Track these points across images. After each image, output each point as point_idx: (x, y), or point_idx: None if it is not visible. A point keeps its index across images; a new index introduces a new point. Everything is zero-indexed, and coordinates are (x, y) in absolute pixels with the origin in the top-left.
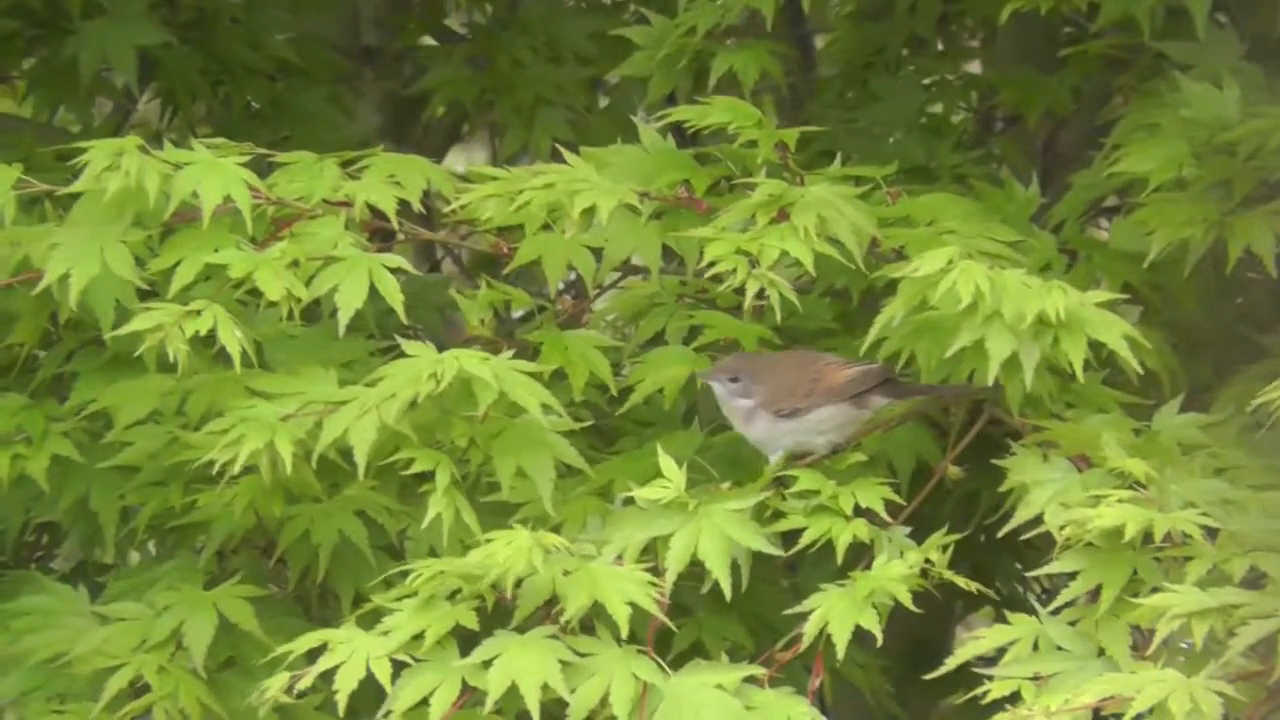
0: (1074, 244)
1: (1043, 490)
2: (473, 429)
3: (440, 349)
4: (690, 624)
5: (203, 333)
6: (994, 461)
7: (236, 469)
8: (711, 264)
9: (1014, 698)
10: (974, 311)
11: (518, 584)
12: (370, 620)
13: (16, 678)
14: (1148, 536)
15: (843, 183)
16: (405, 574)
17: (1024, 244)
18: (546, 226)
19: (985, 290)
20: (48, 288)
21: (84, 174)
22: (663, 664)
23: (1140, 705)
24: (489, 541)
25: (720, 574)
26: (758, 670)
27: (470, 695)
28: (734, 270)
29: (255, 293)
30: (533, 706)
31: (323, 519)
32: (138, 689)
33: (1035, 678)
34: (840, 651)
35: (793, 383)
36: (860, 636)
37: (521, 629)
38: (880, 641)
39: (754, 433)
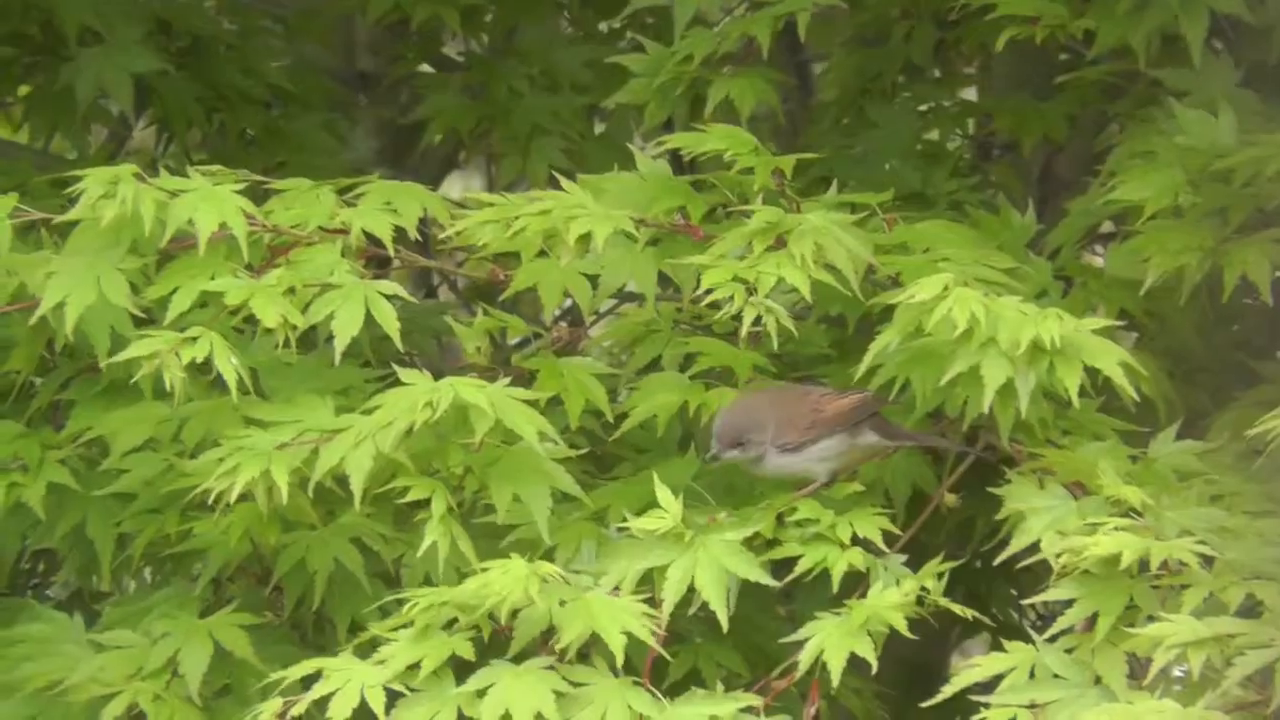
0: (1070, 270)
1: (1039, 518)
2: (469, 457)
3: (436, 376)
4: (686, 652)
5: (199, 360)
6: (990, 490)
7: (233, 498)
8: (708, 291)
9: None
10: (969, 338)
11: (514, 614)
12: (367, 649)
13: (13, 706)
14: (1144, 564)
15: (839, 210)
16: (401, 603)
17: (1020, 270)
18: (542, 253)
19: (980, 317)
20: (44, 316)
21: (80, 202)
22: (658, 694)
23: None
24: (485, 570)
25: (718, 606)
26: (754, 700)
27: None
28: (731, 297)
29: (251, 320)
30: None
31: (319, 546)
32: (133, 717)
33: (1031, 705)
34: (835, 680)
35: (792, 417)
36: (856, 662)
37: (518, 659)
38: (876, 668)
39: (763, 471)
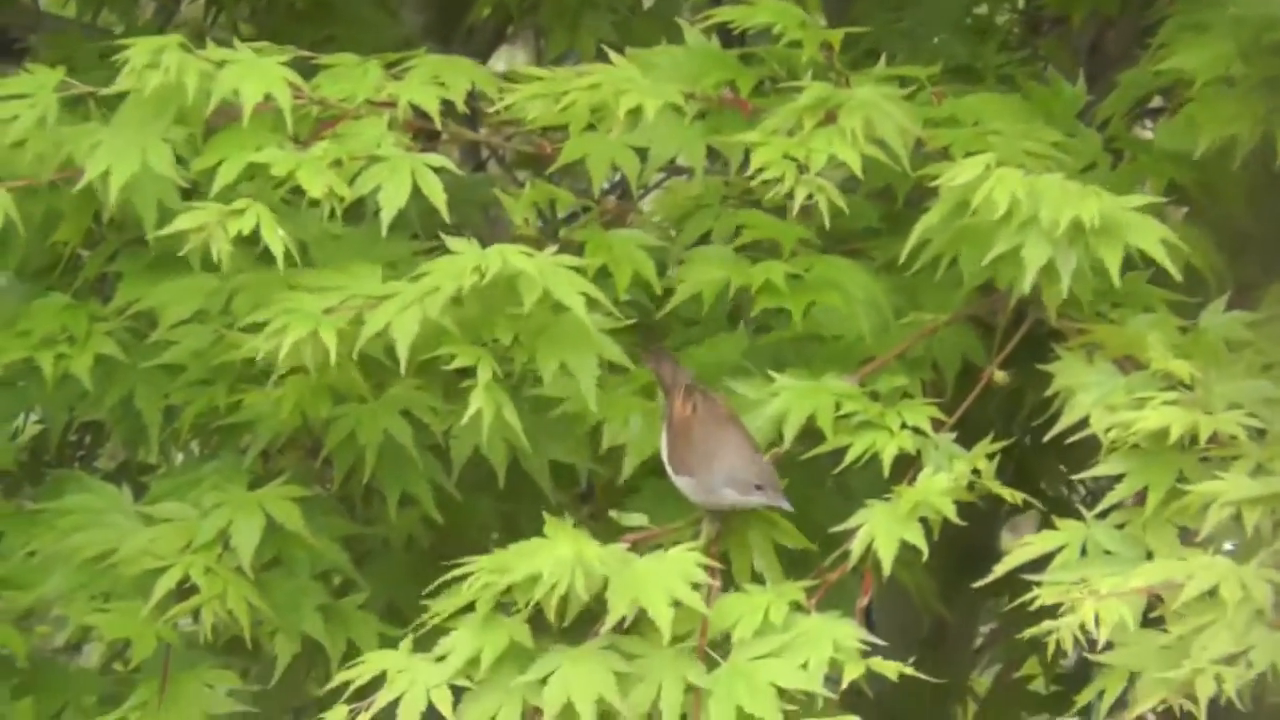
0: (1120, 143)
1: (1087, 393)
2: (517, 325)
3: (484, 247)
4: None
5: (246, 232)
6: (1039, 366)
7: (280, 358)
8: (759, 170)
9: (1062, 605)
10: (1010, 219)
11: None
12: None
13: (62, 576)
14: (1193, 438)
15: (888, 84)
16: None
17: (1068, 143)
18: (590, 127)
19: (1021, 197)
20: (89, 186)
21: (124, 72)
22: (713, 654)
23: (1191, 591)
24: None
25: None
26: (801, 596)
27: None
28: (782, 176)
29: (298, 192)
30: None
31: (368, 419)
32: (184, 589)
33: (1083, 582)
34: (887, 569)
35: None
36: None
37: (571, 635)
38: (927, 554)
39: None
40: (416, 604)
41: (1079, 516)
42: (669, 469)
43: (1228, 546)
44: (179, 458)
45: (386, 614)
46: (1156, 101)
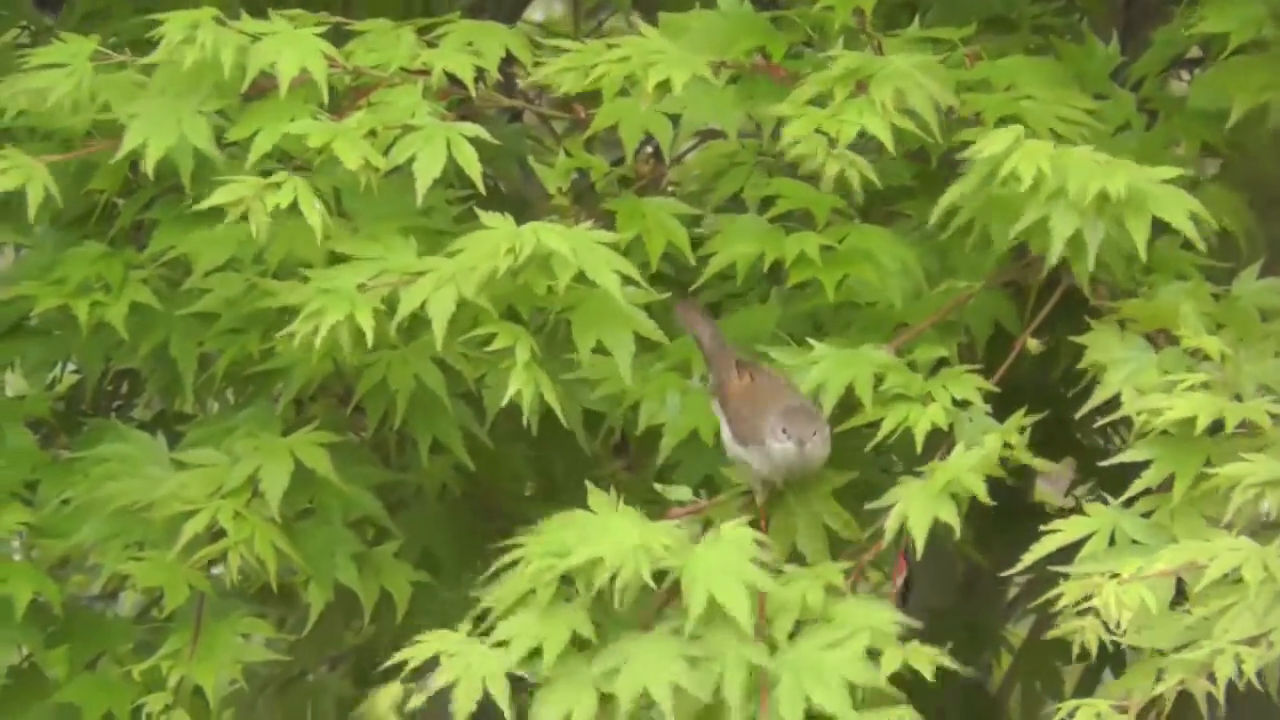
0: (1153, 103)
1: (1118, 371)
2: (551, 299)
3: (520, 201)
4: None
5: (284, 206)
6: (1071, 338)
7: (318, 344)
8: (793, 143)
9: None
10: (1037, 191)
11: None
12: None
13: (96, 523)
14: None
15: (921, 45)
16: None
17: (1102, 106)
18: (624, 92)
19: (1047, 170)
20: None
21: (160, 46)
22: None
23: (1214, 572)
24: (579, 519)
25: None
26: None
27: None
28: (814, 151)
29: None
30: (667, 710)
31: (400, 366)
32: (214, 534)
33: (1112, 575)
34: (920, 549)
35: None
36: None
37: (635, 620)
38: (959, 531)
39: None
40: (451, 552)
41: (1111, 470)
42: (732, 443)
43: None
44: (214, 406)
45: (421, 562)
46: (1195, 52)
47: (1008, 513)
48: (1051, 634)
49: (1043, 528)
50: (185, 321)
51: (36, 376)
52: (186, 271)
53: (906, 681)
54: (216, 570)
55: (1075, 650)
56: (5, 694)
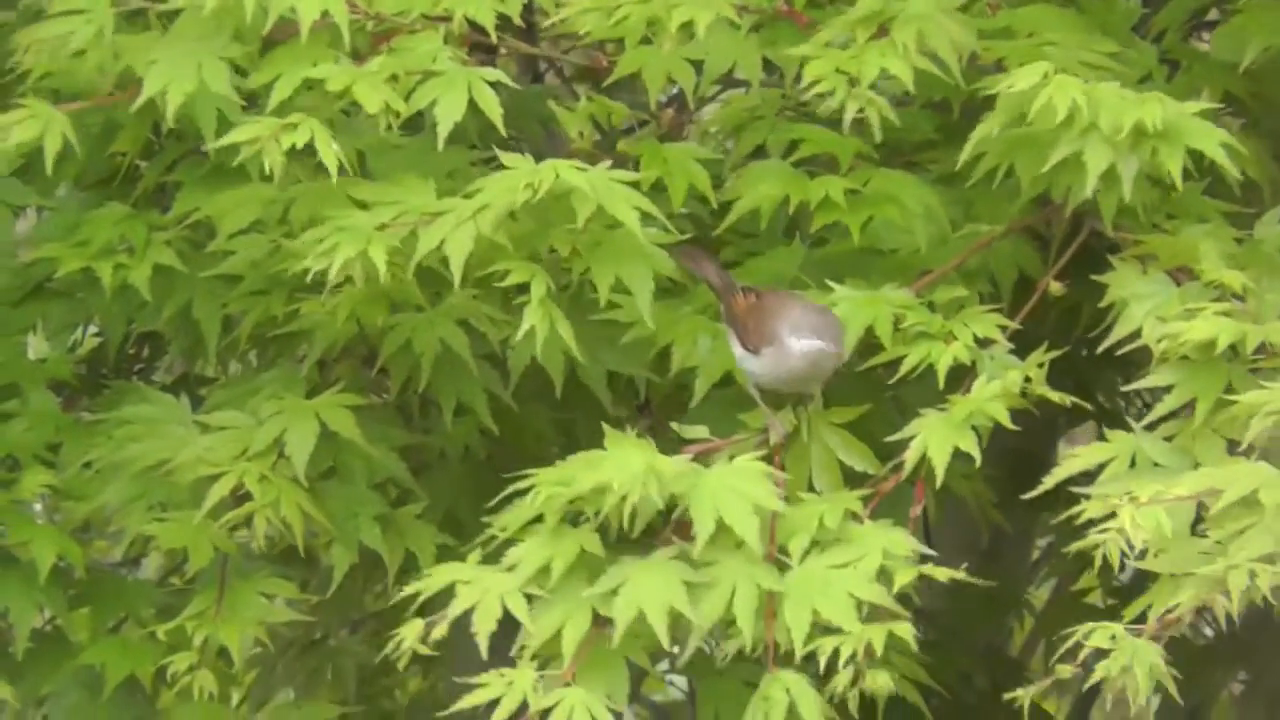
0: (1175, 54)
1: (1140, 305)
2: (572, 239)
3: (542, 160)
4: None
5: (299, 146)
6: (1093, 277)
7: (331, 276)
8: (813, 83)
9: (1111, 517)
10: (1070, 124)
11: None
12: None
13: (119, 486)
14: (1242, 347)
15: None
16: (511, 497)
17: (1124, 55)
18: (646, 40)
19: (1081, 103)
20: (149, 100)
21: None
22: (785, 558)
23: (1231, 496)
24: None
25: None
26: (857, 504)
27: (603, 624)
28: (833, 90)
29: (356, 106)
30: (661, 633)
31: (424, 328)
32: (239, 497)
33: (1130, 495)
34: (940, 478)
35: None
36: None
37: (641, 544)
38: (980, 460)
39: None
40: (475, 514)
41: (1131, 429)
42: (745, 354)
43: None
44: (237, 369)
45: (444, 524)
46: (1214, 14)
47: (1029, 479)
48: (1074, 546)
49: (1064, 455)
50: (209, 283)
51: (59, 339)
52: (210, 233)
53: (928, 644)
54: (240, 535)
55: (1097, 562)
56: (29, 657)
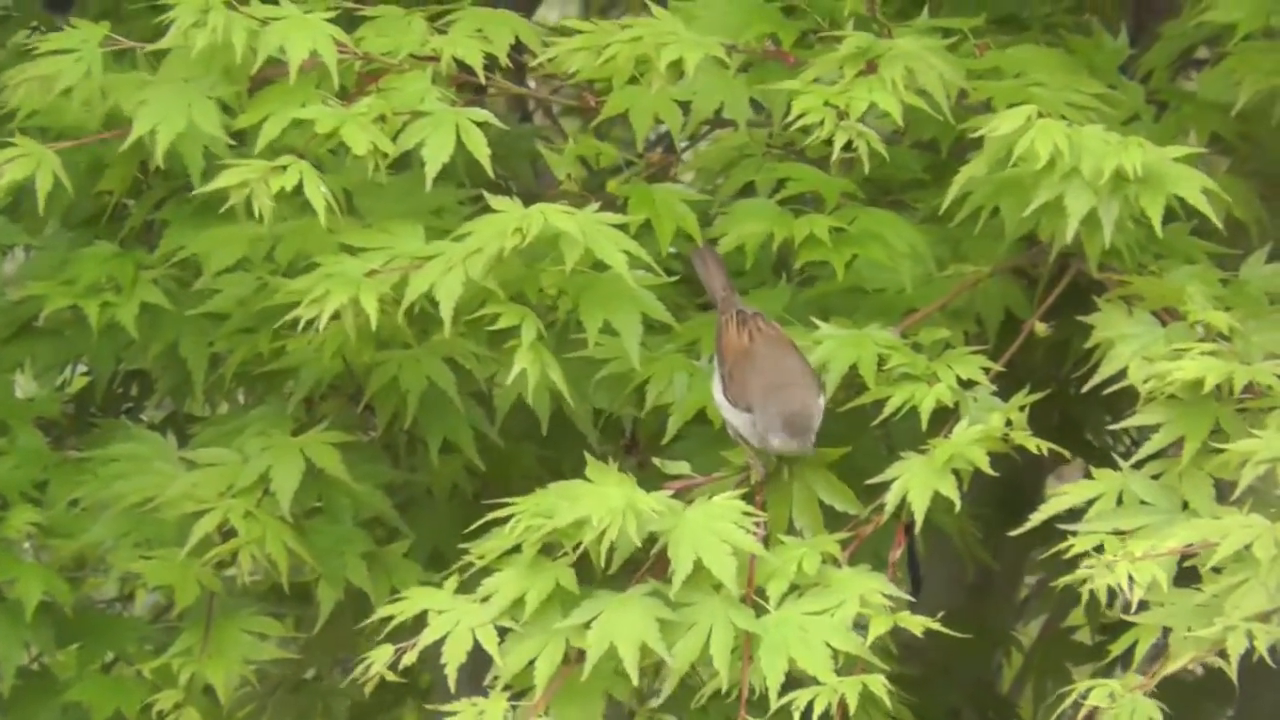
0: (1163, 95)
1: (1126, 345)
2: (560, 281)
3: (530, 199)
4: (782, 506)
5: (288, 189)
6: (1079, 318)
7: (322, 325)
8: (800, 116)
9: (1098, 551)
10: (1052, 169)
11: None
12: (468, 581)
13: (106, 523)
14: (1230, 388)
15: (931, 34)
16: (492, 525)
17: (1111, 95)
18: (634, 80)
19: (1063, 148)
20: (137, 139)
21: (171, 30)
22: (763, 601)
23: (1225, 550)
24: (572, 486)
25: None
26: (835, 549)
27: (577, 658)
28: (821, 122)
29: (343, 146)
30: (631, 669)
31: (411, 365)
32: (224, 533)
33: (1118, 532)
34: (919, 522)
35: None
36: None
37: (617, 581)
38: (959, 505)
39: None
40: (460, 552)
41: (1119, 467)
42: (724, 401)
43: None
44: (224, 407)
45: (430, 562)
46: (1202, 52)
47: (1017, 517)
48: (1062, 580)
49: (1051, 492)
50: (196, 321)
51: (46, 377)
52: (197, 272)
53: (917, 681)
54: (228, 572)
55: (1084, 599)
56: (15, 694)
